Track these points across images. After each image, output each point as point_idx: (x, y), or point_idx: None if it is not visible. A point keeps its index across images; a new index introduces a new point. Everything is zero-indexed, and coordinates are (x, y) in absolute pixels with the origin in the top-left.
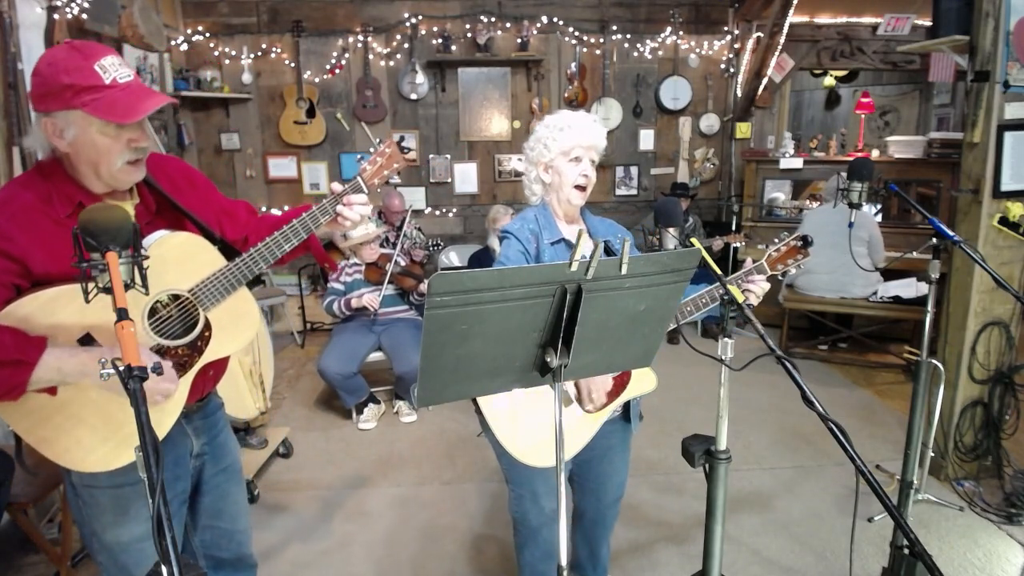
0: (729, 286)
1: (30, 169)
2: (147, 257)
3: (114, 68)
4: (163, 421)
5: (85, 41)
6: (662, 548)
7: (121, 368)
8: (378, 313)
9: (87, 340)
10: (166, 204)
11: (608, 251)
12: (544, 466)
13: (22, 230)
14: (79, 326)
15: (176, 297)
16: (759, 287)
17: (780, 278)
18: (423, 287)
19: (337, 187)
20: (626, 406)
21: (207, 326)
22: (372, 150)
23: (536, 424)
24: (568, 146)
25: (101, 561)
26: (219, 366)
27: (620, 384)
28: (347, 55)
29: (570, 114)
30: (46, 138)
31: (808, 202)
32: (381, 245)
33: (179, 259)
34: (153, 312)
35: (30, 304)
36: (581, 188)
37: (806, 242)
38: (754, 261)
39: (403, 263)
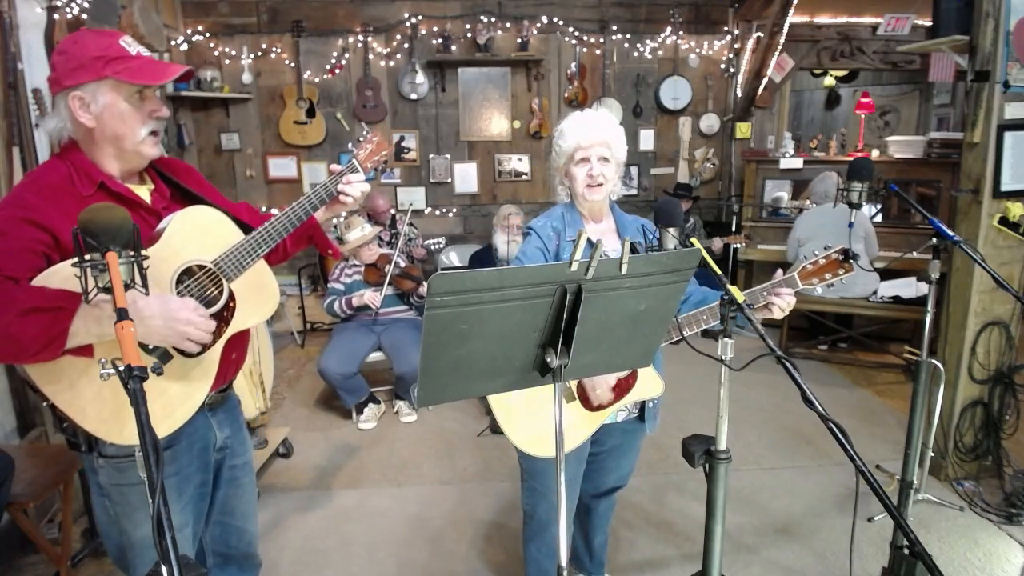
0: (730, 287)
1: (51, 157)
2: (147, 257)
3: (135, 45)
4: (197, 391)
5: (101, 29)
6: (662, 548)
7: (121, 368)
8: (379, 311)
9: None
10: (179, 192)
11: (635, 251)
12: (549, 456)
13: (51, 204)
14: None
15: (201, 267)
16: (785, 300)
17: (818, 292)
18: (422, 289)
19: (336, 168)
20: (642, 407)
21: (231, 296)
22: (360, 139)
23: (537, 415)
24: (571, 149)
25: (130, 560)
26: (240, 350)
27: (625, 386)
28: (347, 55)
29: (572, 116)
30: (70, 115)
31: (807, 202)
32: (379, 245)
33: (200, 232)
34: (180, 283)
35: (66, 268)
36: (593, 186)
37: (847, 255)
38: (784, 271)
39: (402, 264)
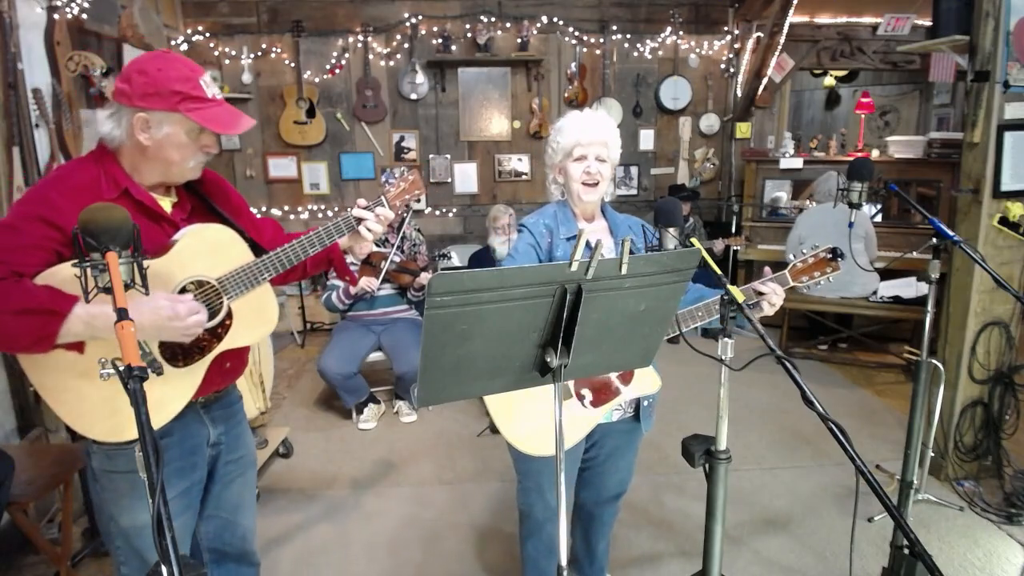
0: (730, 286)
1: (85, 155)
2: (147, 257)
3: (211, 86)
4: (175, 401)
5: (185, 57)
6: (662, 548)
7: (121, 368)
8: (376, 293)
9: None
10: (201, 206)
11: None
12: (543, 455)
13: (71, 204)
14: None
15: (204, 283)
16: (776, 297)
17: (805, 290)
18: (423, 278)
19: (362, 202)
20: (637, 407)
21: (229, 315)
22: (395, 176)
23: (532, 413)
24: (569, 146)
25: (118, 545)
26: (237, 361)
27: (623, 382)
28: (347, 55)
29: (571, 114)
30: (130, 130)
31: (808, 202)
32: (378, 245)
33: (211, 249)
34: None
35: (66, 268)
36: (589, 185)
37: (835, 254)
38: (770, 267)
39: (398, 260)
